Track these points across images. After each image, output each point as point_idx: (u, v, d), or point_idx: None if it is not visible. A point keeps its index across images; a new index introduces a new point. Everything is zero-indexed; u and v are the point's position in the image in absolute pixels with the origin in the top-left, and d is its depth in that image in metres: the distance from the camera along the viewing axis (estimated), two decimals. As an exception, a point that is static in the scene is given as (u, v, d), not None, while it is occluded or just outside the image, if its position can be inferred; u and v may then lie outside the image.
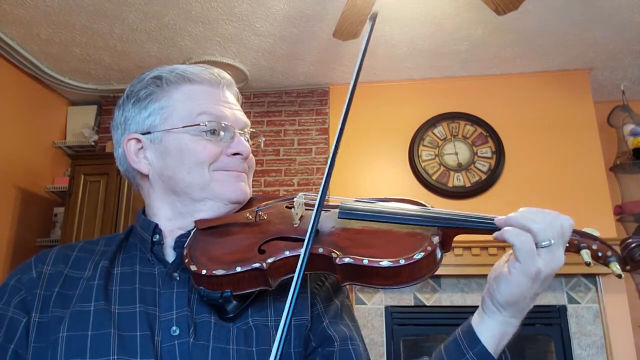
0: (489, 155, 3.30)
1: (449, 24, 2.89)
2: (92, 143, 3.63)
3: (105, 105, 3.74)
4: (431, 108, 3.44)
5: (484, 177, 3.26)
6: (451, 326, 3.04)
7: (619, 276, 0.65)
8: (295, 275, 0.60)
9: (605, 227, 3.05)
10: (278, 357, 0.54)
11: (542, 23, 2.86)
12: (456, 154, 3.35)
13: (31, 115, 3.43)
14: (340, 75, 3.47)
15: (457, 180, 3.28)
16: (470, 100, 3.43)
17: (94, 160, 3.37)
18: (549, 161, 3.24)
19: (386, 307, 3.07)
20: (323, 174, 3.47)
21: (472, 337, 0.68)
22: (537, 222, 0.64)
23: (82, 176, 3.25)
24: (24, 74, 3.32)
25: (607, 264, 0.67)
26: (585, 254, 0.67)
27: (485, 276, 2.77)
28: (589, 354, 2.86)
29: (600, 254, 0.68)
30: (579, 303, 2.96)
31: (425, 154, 3.36)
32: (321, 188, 0.68)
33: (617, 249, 0.68)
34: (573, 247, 0.68)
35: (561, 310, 2.95)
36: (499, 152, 3.28)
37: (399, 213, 0.72)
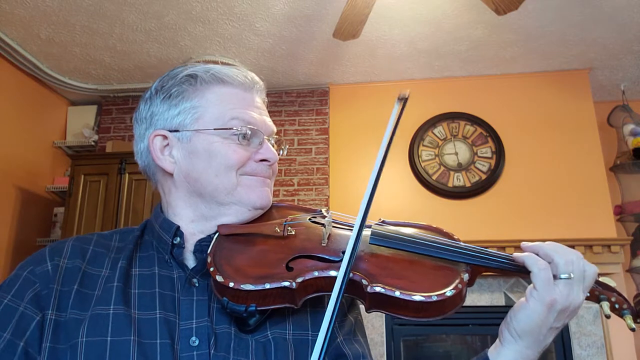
0: (489, 155, 3.30)
1: (449, 24, 2.89)
2: (92, 143, 3.63)
3: (105, 105, 3.74)
4: (431, 108, 3.44)
5: (484, 177, 3.26)
6: (451, 326, 3.07)
7: (632, 329, 0.69)
8: (330, 309, 0.58)
9: (605, 227, 3.05)
10: None
11: (542, 23, 2.86)
12: (456, 154, 3.35)
13: (31, 115, 3.43)
14: (340, 75, 3.48)
15: (457, 180, 3.28)
16: (470, 100, 3.43)
17: (94, 160, 3.37)
18: (549, 161, 3.24)
19: (386, 307, 3.06)
20: (323, 174, 3.45)
21: None
22: (560, 254, 0.66)
23: (82, 176, 3.25)
24: (24, 74, 3.32)
25: (622, 316, 0.70)
26: (605, 306, 0.70)
27: (485, 276, 2.78)
28: (589, 354, 2.86)
29: (617, 306, 0.70)
30: (579, 303, 2.95)
31: (425, 154, 3.36)
32: (360, 218, 0.66)
33: (632, 300, 0.72)
34: (594, 298, 0.71)
35: (561, 310, 2.95)
36: (499, 152, 3.28)
37: (432, 245, 0.71)
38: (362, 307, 0.76)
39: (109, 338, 0.66)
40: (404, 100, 0.75)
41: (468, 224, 3.12)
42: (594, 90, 3.41)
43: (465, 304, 3.20)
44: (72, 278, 0.72)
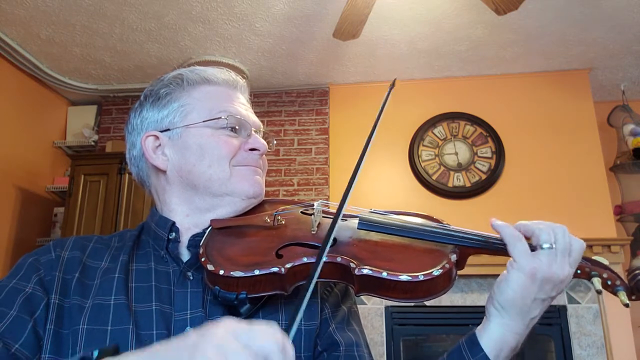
0: (489, 155, 3.30)
1: (449, 24, 2.89)
2: (92, 143, 3.63)
3: (105, 105, 3.74)
4: (431, 108, 3.45)
5: (484, 177, 3.26)
6: (451, 326, 3.08)
7: (626, 305, 0.68)
8: (312, 283, 0.59)
9: (605, 227, 3.05)
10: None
11: (542, 23, 2.86)
12: (456, 154, 3.35)
13: (31, 115, 3.43)
14: (340, 75, 3.47)
15: (457, 180, 3.28)
16: (470, 100, 3.43)
17: (94, 160, 3.37)
18: (549, 161, 3.24)
19: (386, 307, 3.07)
20: (323, 174, 3.46)
21: (473, 343, 0.68)
22: (541, 227, 0.66)
23: (82, 176, 3.25)
24: (24, 74, 3.32)
25: (615, 293, 0.70)
26: (597, 282, 0.70)
27: (485, 276, 2.79)
28: (589, 354, 2.86)
29: (609, 283, 0.70)
30: (579, 303, 2.96)
31: (425, 154, 3.36)
32: (342, 198, 0.68)
33: (625, 277, 0.71)
34: (584, 274, 0.71)
35: (561, 310, 2.95)
36: (499, 152, 3.28)
37: (418, 228, 0.73)
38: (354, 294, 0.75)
39: (109, 327, 0.68)
40: (391, 86, 0.78)
41: (468, 224, 3.09)
42: (594, 90, 3.41)
43: (465, 304, 3.21)
44: (74, 267, 0.74)
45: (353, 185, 0.69)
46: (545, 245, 0.65)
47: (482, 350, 0.67)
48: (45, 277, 0.72)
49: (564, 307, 2.96)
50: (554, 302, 3.07)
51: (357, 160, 0.71)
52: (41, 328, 0.68)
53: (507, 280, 0.66)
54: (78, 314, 0.69)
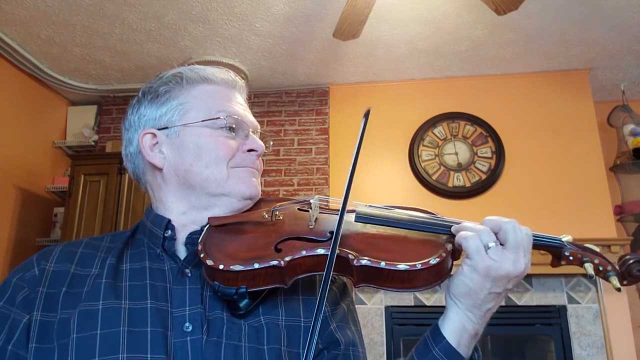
0: (489, 155, 3.30)
1: (449, 24, 2.89)
2: (92, 143, 3.63)
3: (105, 105, 3.74)
4: (431, 108, 3.44)
5: (484, 177, 3.26)
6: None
7: (618, 289, 0.70)
8: (324, 277, 0.62)
9: (605, 227, 3.05)
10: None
11: (542, 23, 2.86)
12: (456, 154, 3.35)
13: (31, 115, 3.43)
14: (340, 75, 3.47)
15: (457, 180, 3.28)
16: (470, 100, 3.43)
17: (94, 160, 3.37)
18: (549, 161, 3.24)
19: (386, 307, 3.07)
20: (323, 174, 3.46)
21: (436, 333, 0.71)
22: (479, 229, 0.68)
23: (82, 176, 3.25)
24: (24, 74, 3.32)
25: (606, 278, 0.72)
26: (589, 267, 0.72)
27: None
28: (589, 354, 2.86)
29: (601, 268, 0.72)
30: (579, 303, 2.96)
31: (425, 154, 3.36)
32: (345, 189, 0.71)
33: (616, 263, 0.73)
34: (577, 261, 0.73)
35: (561, 310, 2.95)
36: (499, 152, 3.28)
37: (413, 220, 0.74)
38: (353, 287, 0.78)
39: (98, 332, 0.67)
40: (366, 115, 0.80)
41: (468, 224, 3.11)
42: (594, 90, 3.41)
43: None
44: (60, 281, 0.73)
45: (351, 180, 0.72)
46: (491, 245, 0.67)
47: (444, 338, 0.69)
48: (30, 295, 0.71)
49: (564, 307, 2.96)
50: (554, 302, 3.03)
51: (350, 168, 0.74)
52: (22, 349, 0.68)
53: (460, 274, 0.68)
54: (67, 326, 0.68)
